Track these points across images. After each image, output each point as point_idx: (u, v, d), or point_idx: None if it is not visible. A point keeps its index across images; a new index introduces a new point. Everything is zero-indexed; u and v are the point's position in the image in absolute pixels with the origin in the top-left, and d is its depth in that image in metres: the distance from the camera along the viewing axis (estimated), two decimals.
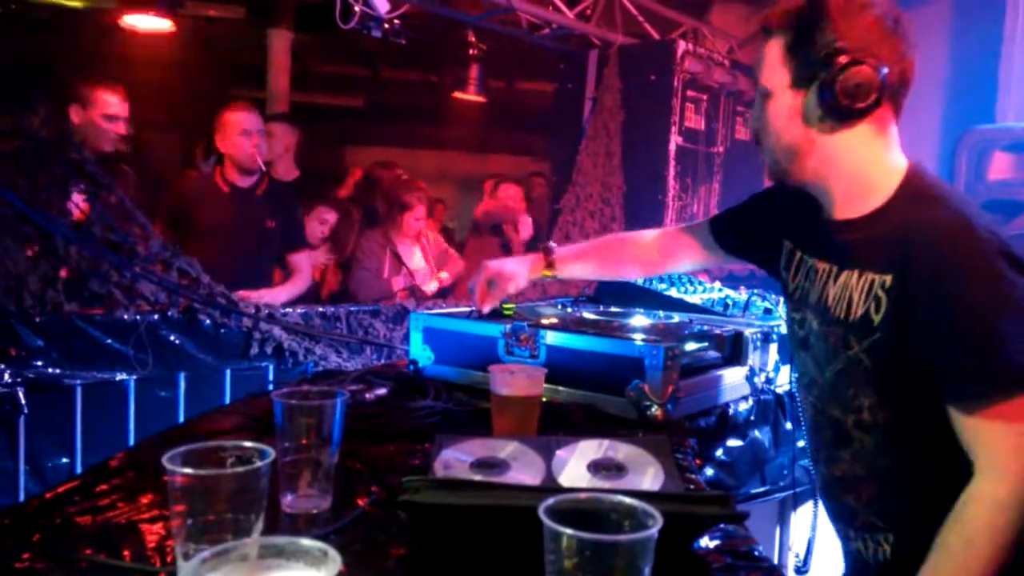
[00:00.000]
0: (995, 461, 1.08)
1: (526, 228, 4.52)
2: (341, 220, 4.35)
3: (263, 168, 3.31)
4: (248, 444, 0.85)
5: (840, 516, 1.35)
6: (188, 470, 0.79)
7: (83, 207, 2.53)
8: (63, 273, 2.40)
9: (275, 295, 3.19)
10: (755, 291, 2.30)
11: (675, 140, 4.06)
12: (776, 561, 2.08)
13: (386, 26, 3.40)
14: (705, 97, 4.22)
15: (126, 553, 0.88)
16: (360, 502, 1.04)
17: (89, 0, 5.54)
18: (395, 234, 4.04)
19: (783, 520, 2.11)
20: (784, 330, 1.68)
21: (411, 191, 4.11)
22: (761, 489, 1.80)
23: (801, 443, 1.53)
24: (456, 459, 1.09)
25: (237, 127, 3.21)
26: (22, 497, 2.32)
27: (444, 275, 4.19)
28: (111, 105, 3.07)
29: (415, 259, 4.14)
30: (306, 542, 0.62)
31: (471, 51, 5.30)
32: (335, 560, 0.60)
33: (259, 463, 0.81)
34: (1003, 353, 1.07)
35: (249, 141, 3.21)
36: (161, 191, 3.56)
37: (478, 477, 1.04)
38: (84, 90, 3.05)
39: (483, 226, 4.74)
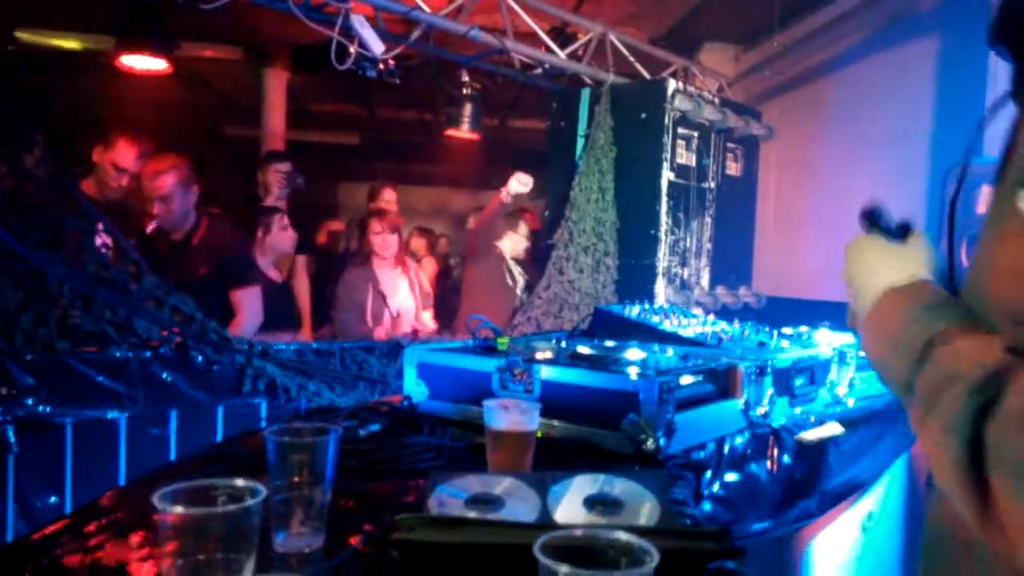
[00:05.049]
0: None
1: (533, 221, 4.61)
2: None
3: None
4: (240, 482, 0.84)
5: None
6: (179, 509, 0.78)
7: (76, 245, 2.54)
8: (55, 311, 2.40)
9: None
10: (748, 324, 2.31)
11: (667, 176, 4.10)
12: None
13: (381, 67, 3.45)
14: (696, 134, 4.27)
15: None
16: (353, 541, 1.03)
17: (87, 42, 5.61)
18: (377, 264, 4.02)
19: (782, 555, 2.08)
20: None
21: (376, 214, 4.18)
22: (760, 525, 1.79)
23: None
24: (450, 496, 1.07)
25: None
26: (11, 537, 2.28)
27: (425, 315, 4.18)
28: (124, 157, 3.11)
29: (400, 293, 4.10)
30: None
31: (465, 90, 5.37)
32: None
33: (250, 501, 0.81)
34: None
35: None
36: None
37: (473, 514, 1.03)
38: (110, 133, 3.10)
39: (481, 243, 4.53)
